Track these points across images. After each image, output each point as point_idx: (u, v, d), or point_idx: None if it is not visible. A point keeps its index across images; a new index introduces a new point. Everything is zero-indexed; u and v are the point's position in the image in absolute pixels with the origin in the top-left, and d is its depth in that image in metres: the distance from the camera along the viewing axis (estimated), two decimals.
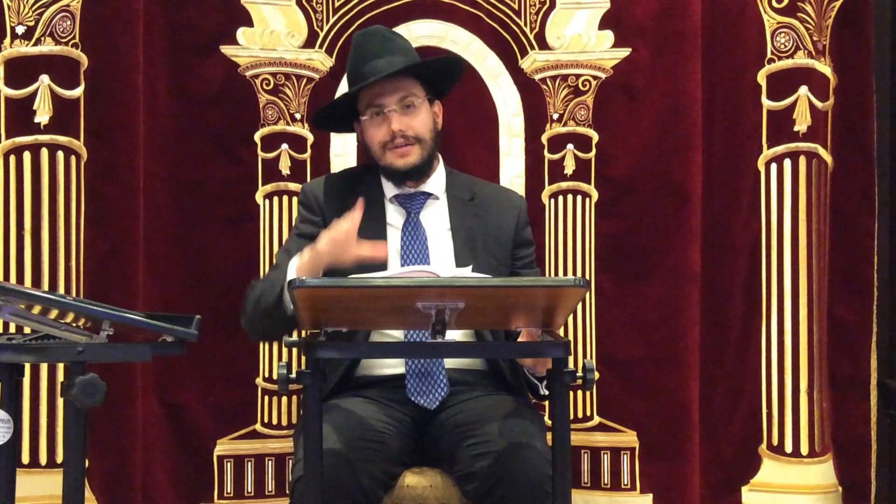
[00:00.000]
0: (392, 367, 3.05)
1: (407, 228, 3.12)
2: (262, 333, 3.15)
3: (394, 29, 3.49)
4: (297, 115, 3.51)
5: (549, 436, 2.68)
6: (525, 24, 3.55)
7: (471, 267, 2.96)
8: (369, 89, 3.09)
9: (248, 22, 3.47)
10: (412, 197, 3.15)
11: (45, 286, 3.26)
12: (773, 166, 3.54)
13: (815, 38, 3.52)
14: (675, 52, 3.52)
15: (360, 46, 3.14)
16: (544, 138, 3.57)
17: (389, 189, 3.16)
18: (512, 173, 3.55)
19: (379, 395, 3.01)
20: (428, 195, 3.16)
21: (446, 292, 2.41)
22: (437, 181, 3.18)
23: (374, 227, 3.08)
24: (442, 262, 3.07)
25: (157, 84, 3.40)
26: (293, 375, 2.55)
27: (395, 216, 3.14)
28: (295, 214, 3.49)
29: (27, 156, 3.27)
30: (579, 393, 3.52)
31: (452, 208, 3.16)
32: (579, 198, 3.56)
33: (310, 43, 3.51)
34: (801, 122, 3.52)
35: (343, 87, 3.47)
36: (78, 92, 3.30)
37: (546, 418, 2.99)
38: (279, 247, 3.47)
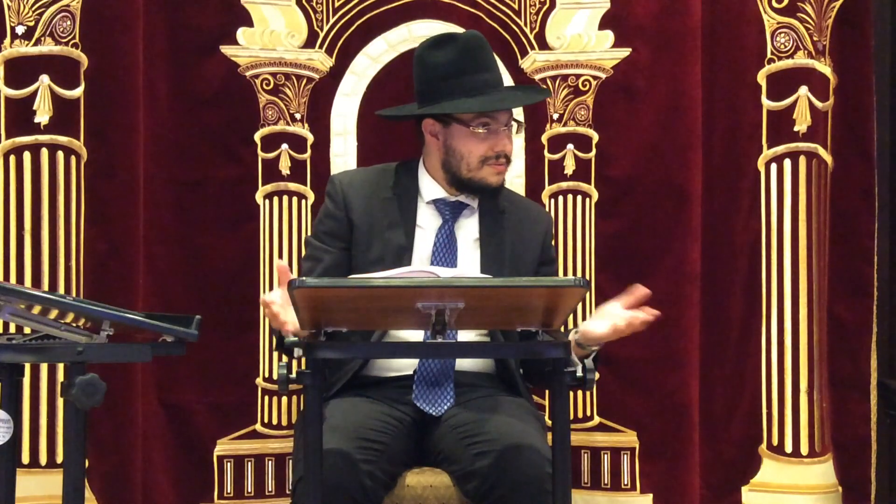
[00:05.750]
0: (399, 369, 3.04)
1: (441, 235, 3.12)
2: None
3: (394, 29, 3.50)
4: (297, 115, 3.51)
5: (549, 435, 2.68)
6: (525, 24, 3.55)
7: (473, 268, 2.96)
8: (481, 101, 3.08)
9: (248, 22, 3.47)
10: (452, 205, 3.15)
11: (45, 286, 3.26)
12: (773, 166, 3.54)
13: (815, 38, 3.52)
14: (675, 52, 3.52)
15: (471, 51, 3.12)
16: (544, 138, 3.57)
17: (429, 192, 3.15)
18: (512, 173, 3.54)
19: (382, 395, 3.01)
20: (465, 205, 3.16)
21: (446, 292, 2.41)
22: None
23: (402, 226, 3.10)
24: (469, 272, 3.06)
25: (157, 84, 3.40)
26: (293, 375, 2.55)
27: (427, 219, 3.14)
28: (295, 215, 3.49)
29: (27, 156, 3.27)
30: (579, 393, 3.52)
31: (483, 220, 3.16)
32: (579, 198, 3.56)
33: (310, 43, 3.51)
34: (801, 122, 3.52)
35: (348, 83, 3.50)
36: (78, 92, 3.30)
37: (546, 418, 3.00)
38: (278, 247, 3.47)
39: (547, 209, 3.53)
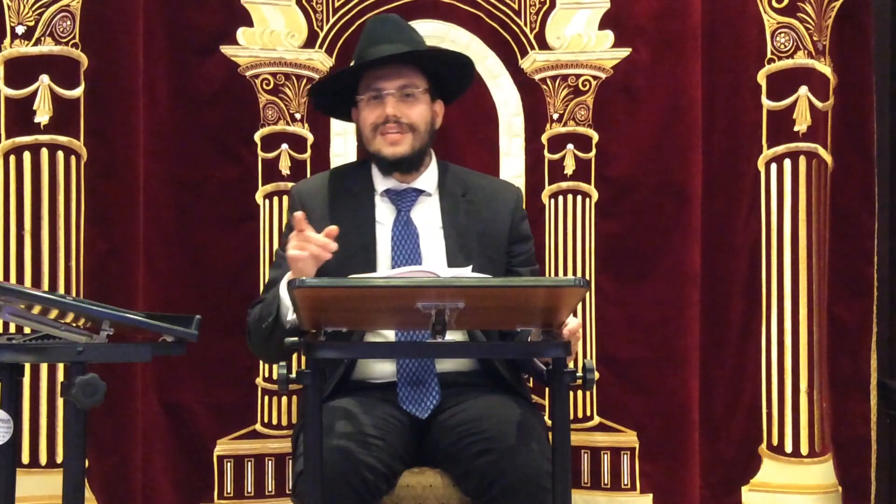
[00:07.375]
0: (383, 376, 3.02)
1: (397, 227, 3.06)
2: (272, 355, 3.10)
3: None
4: (297, 115, 3.51)
5: (548, 435, 2.68)
6: (525, 24, 3.55)
7: (471, 267, 2.95)
8: (371, 72, 3.04)
9: (248, 22, 3.47)
10: (403, 193, 3.09)
11: (45, 286, 3.26)
12: (773, 166, 3.54)
13: (815, 38, 3.52)
14: (675, 52, 3.52)
15: (372, 30, 3.10)
16: (544, 138, 3.57)
17: (380, 183, 3.10)
18: (512, 173, 3.55)
19: (374, 397, 3.00)
20: (420, 192, 3.10)
21: (446, 292, 2.41)
22: (429, 177, 3.12)
23: (361, 224, 3.05)
24: (434, 262, 3.02)
25: (157, 84, 3.40)
26: (293, 375, 2.55)
27: (384, 213, 3.08)
28: None
29: (27, 156, 3.27)
30: (579, 393, 3.52)
31: (444, 206, 3.10)
32: (579, 198, 3.56)
33: (310, 43, 3.51)
34: (801, 122, 3.53)
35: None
36: (78, 92, 3.30)
37: (546, 418, 2.99)
38: (279, 247, 3.47)
39: (547, 209, 3.52)
